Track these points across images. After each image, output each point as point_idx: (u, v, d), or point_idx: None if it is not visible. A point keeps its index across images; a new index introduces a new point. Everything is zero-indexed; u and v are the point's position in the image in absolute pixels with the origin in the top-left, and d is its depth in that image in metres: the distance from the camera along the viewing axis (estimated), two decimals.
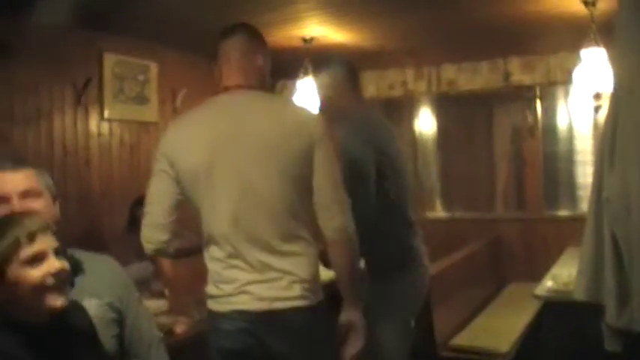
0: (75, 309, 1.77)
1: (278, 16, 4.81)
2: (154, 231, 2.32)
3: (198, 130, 2.34)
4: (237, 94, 2.42)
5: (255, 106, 2.39)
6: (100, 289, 1.98)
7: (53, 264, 1.62)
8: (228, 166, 2.25)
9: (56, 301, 1.62)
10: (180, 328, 3.20)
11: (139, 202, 4.54)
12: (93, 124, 4.98)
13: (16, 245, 1.57)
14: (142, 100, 5.41)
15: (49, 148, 4.61)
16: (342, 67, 3.41)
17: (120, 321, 2.02)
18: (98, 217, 4.86)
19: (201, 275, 4.91)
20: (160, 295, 3.91)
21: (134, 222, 4.56)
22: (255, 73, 2.47)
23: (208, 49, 5.69)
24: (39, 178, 2.01)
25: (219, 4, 4.50)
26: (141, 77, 5.40)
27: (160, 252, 2.37)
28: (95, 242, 1.85)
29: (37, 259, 1.59)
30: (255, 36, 2.56)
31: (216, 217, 2.26)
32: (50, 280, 1.60)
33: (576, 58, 5.00)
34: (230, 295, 2.24)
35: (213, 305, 2.32)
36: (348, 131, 3.13)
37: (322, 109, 3.43)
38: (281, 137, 2.28)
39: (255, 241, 2.24)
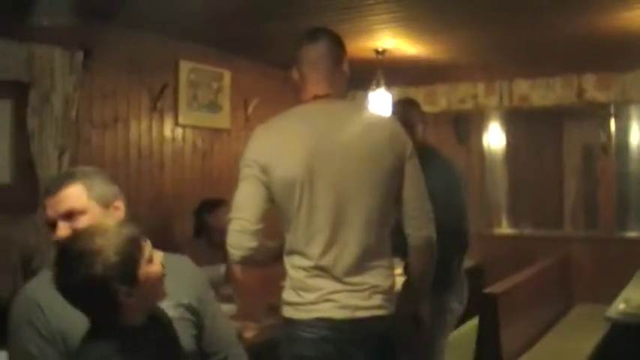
0: (157, 310, 1.81)
1: (351, 27, 4.83)
2: (242, 237, 2.27)
3: (295, 139, 2.32)
4: (330, 104, 2.43)
5: (350, 118, 2.40)
6: (177, 291, 1.94)
7: (159, 256, 1.69)
8: (327, 179, 2.26)
9: (165, 291, 1.72)
10: (248, 333, 3.23)
11: (203, 208, 4.66)
12: (167, 129, 5.10)
13: (140, 247, 1.62)
14: (214, 107, 5.52)
15: (125, 151, 4.74)
16: None
17: (197, 322, 2.01)
18: (170, 219, 4.97)
19: (271, 281, 4.99)
20: (229, 299, 3.96)
21: (200, 226, 4.67)
22: (342, 82, 2.48)
23: (280, 59, 5.87)
24: (84, 192, 1.93)
25: (293, 15, 4.55)
26: (214, 85, 5.51)
27: (246, 259, 2.30)
28: (166, 244, 1.87)
29: (152, 254, 1.67)
30: (340, 42, 2.53)
31: (312, 228, 2.27)
32: (163, 270, 1.69)
33: None
34: (313, 302, 2.25)
35: (292, 313, 2.31)
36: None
37: None
38: (376, 151, 2.31)
39: (346, 254, 2.27)
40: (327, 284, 2.24)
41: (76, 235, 1.67)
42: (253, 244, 2.27)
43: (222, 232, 4.60)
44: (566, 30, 4.91)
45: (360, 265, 2.27)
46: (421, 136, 3.59)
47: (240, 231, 2.26)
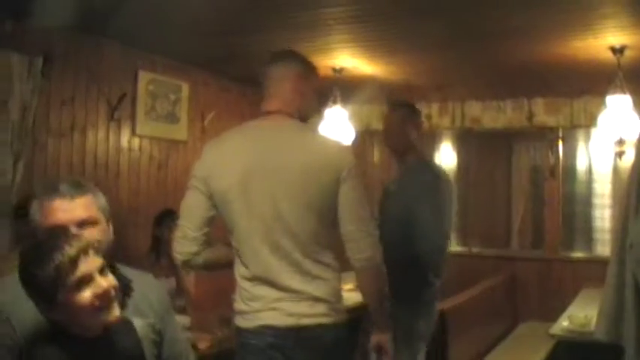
0: (126, 326, 1.81)
1: (311, 46, 4.90)
2: (183, 243, 2.42)
3: (234, 153, 2.42)
4: (274, 121, 2.50)
5: (289, 137, 2.47)
6: (144, 309, 1.97)
7: (100, 285, 1.62)
8: (261, 194, 2.34)
9: (108, 317, 1.66)
10: (202, 345, 3.25)
11: (159, 222, 4.67)
12: (124, 139, 5.09)
13: (60, 273, 1.58)
14: (172, 118, 5.53)
15: (81, 160, 4.71)
16: None
17: (159, 341, 2.01)
18: (125, 230, 4.94)
19: (224, 293, 4.99)
20: (182, 311, 3.97)
21: (156, 240, 4.68)
22: (297, 102, 2.52)
23: (239, 73, 5.91)
24: (95, 204, 1.96)
25: (255, 31, 4.61)
26: (172, 96, 5.52)
27: (188, 263, 2.46)
28: (121, 255, 1.86)
29: (83, 282, 1.60)
30: (304, 65, 2.59)
31: (250, 240, 2.35)
32: (97, 302, 1.62)
33: (600, 103, 5.09)
34: (259, 310, 2.32)
35: (241, 322, 2.38)
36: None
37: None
38: (310, 171, 2.37)
39: (286, 264, 2.34)
40: (271, 293, 2.32)
41: (34, 242, 1.69)
42: (193, 249, 2.41)
43: (169, 244, 4.64)
44: (517, 56, 5.07)
45: (299, 276, 2.35)
46: (414, 142, 3.66)
47: (182, 237, 2.42)
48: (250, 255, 2.36)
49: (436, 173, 3.72)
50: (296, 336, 2.31)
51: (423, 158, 3.87)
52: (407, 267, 3.29)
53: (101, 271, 1.65)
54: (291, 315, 2.31)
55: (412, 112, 3.75)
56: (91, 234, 1.84)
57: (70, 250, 1.60)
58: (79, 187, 1.94)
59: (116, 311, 1.68)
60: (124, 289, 1.83)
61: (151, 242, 4.72)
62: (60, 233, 1.73)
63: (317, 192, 2.37)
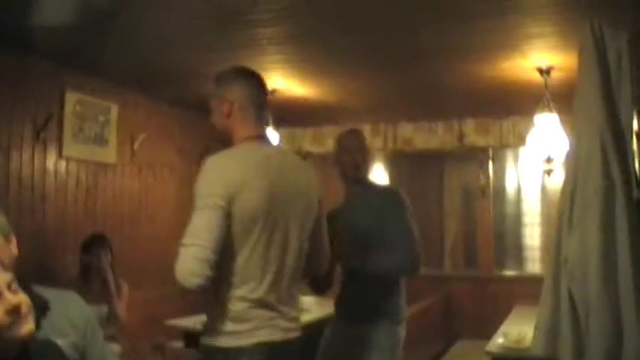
0: (47, 347, 1.73)
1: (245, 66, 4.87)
2: (203, 265, 2.19)
3: (257, 175, 2.35)
4: (271, 146, 2.58)
5: (291, 164, 2.55)
6: (65, 328, 1.90)
7: (8, 300, 1.56)
8: (279, 217, 2.37)
9: (19, 331, 1.58)
10: None
11: (88, 248, 4.54)
12: (50, 161, 4.91)
13: None
14: (101, 141, 5.38)
15: (5, 181, 4.52)
16: None
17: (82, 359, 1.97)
18: (51, 253, 4.77)
19: (155, 320, 4.87)
20: (113, 339, 3.86)
21: (85, 267, 4.54)
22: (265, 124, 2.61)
23: (171, 95, 5.83)
24: None
25: (184, 52, 4.56)
26: (101, 118, 5.37)
27: (202, 288, 2.21)
28: (47, 278, 1.78)
29: None
30: (265, 85, 2.62)
31: (261, 263, 2.34)
32: (7, 319, 1.55)
33: (529, 123, 5.21)
34: (255, 329, 2.33)
35: (230, 342, 2.32)
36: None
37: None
38: (309, 199, 2.52)
39: (283, 286, 2.40)
40: (265, 313, 2.34)
41: None
42: (211, 273, 2.20)
43: (100, 271, 4.51)
44: (447, 77, 5.16)
45: (288, 296, 2.43)
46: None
47: (201, 259, 2.19)
48: (256, 278, 2.32)
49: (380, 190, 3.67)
50: (285, 348, 2.38)
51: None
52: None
53: (9, 287, 1.58)
54: (283, 330, 2.38)
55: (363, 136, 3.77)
56: None
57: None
58: None
59: (30, 326, 1.60)
60: (40, 309, 1.75)
61: (80, 268, 4.58)
62: None
63: (309, 214, 2.51)
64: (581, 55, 2.39)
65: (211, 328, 2.36)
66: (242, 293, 2.32)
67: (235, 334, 2.32)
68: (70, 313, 1.96)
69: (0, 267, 1.60)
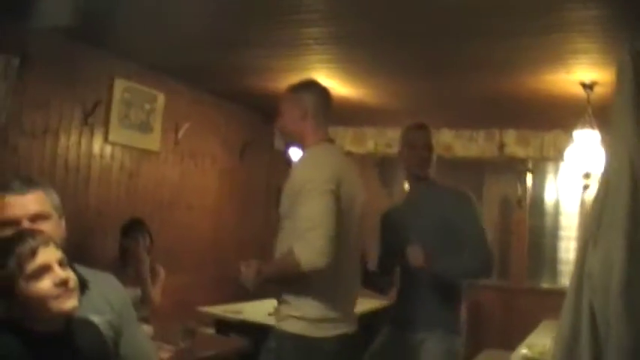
0: (85, 325, 1.82)
1: (287, 64, 4.95)
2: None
3: (344, 171, 2.67)
4: (337, 148, 3.01)
5: (352, 164, 2.96)
6: (102, 307, 1.99)
7: (58, 274, 1.67)
8: (347, 215, 2.61)
9: (64, 304, 1.69)
10: (165, 355, 3.24)
11: (126, 232, 4.66)
12: (96, 145, 5.06)
13: (20, 261, 1.63)
14: (146, 128, 5.51)
15: (52, 163, 4.68)
16: None
17: (117, 339, 2.03)
18: (92, 235, 4.91)
19: (188, 305, 4.98)
20: (145, 321, 3.96)
21: (123, 250, 4.67)
22: None
23: (216, 86, 5.93)
24: (47, 199, 2.02)
25: (230, 45, 4.64)
26: (147, 106, 5.50)
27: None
28: (86, 259, 1.88)
29: (41, 271, 1.65)
30: None
31: (342, 250, 2.53)
32: (56, 291, 1.66)
33: (569, 137, 5.18)
34: (338, 320, 2.59)
35: (314, 332, 2.54)
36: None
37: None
38: (363, 197, 2.82)
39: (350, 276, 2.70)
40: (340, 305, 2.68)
41: None
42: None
43: (135, 254, 4.66)
44: (491, 87, 5.17)
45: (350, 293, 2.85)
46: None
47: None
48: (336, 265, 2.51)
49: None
50: (353, 342, 2.68)
51: None
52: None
53: (60, 263, 1.70)
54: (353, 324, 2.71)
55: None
56: (43, 227, 1.90)
57: (33, 242, 1.67)
58: (30, 183, 2.00)
59: (74, 301, 1.72)
60: (80, 287, 1.83)
61: (118, 251, 4.70)
62: (24, 229, 1.80)
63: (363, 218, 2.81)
64: (619, 74, 2.40)
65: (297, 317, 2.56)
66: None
67: (320, 323, 2.54)
68: (108, 294, 2.05)
69: (53, 244, 1.72)
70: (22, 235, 1.71)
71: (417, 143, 3.40)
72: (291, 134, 2.82)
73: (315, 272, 2.43)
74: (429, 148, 3.41)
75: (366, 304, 4.73)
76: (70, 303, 1.70)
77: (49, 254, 1.68)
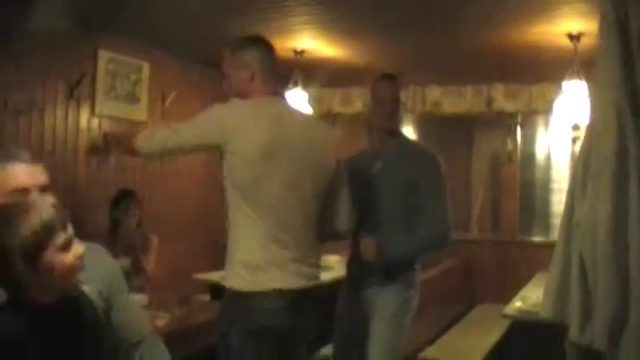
0: (79, 294, 1.83)
1: (271, 27, 4.92)
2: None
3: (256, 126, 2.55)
4: (286, 104, 2.80)
5: (305, 121, 2.78)
6: (91, 277, 1.94)
7: (79, 248, 1.70)
8: (286, 170, 2.54)
9: (79, 277, 1.75)
10: (161, 322, 3.27)
11: (116, 203, 4.67)
12: (83, 119, 5.04)
13: (52, 232, 1.63)
14: (132, 99, 5.48)
15: (39, 139, 4.66)
16: None
17: (107, 309, 2.01)
18: (82, 208, 4.90)
19: (182, 273, 5.00)
20: (139, 290, 3.99)
21: (114, 221, 4.68)
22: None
23: (200, 55, 5.88)
24: (46, 171, 2.03)
25: (214, 13, 4.60)
26: (133, 76, 5.47)
27: None
28: (78, 232, 1.88)
29: (68, 244, 1.67)
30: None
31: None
32: (78, 263, 1.71)
33: (558, 89, 5.17)
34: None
35: (251, 286, 2.48)
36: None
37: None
38: (321, 155, 2.70)
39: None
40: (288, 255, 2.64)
41: (2, 206, 1.72)
42: None
43: (126, 225, 4.67)
44: (476, 42, 5.14)
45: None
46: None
47: None
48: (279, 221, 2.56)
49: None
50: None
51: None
52: None
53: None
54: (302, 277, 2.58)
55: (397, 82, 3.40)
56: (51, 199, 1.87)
57: (64, 214, 1.67)
58: (28, 155, 1.99)
59: (81, 275, 1.77)
60: None
61: (109, 223, 4.71)
62: (48, 198, 1.77)
63: (326, 177, 2.72)
64: (602, 21, 2.39)
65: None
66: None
67: (255, 281, 2.49)
68: (97, 264, 2.02)
69: (62, 225, 1.69)
70: (55, 205, 1.69)
71: (385, 96, 3.23)
72: (240, 96, 2.71)
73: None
74: (396, 100, 3.24)
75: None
76: (81, 276, 1.76)
77: (71, 229, 1.70)
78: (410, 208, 3.16)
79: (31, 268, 1.60)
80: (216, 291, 4.86)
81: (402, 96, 3.49)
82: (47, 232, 1.62)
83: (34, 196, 1.89)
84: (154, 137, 2.69)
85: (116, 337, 2.05)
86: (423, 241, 3.17)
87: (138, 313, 2.18)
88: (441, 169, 3.20)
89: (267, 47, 2.71)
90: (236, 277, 2.51)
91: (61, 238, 1.64)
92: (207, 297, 4.69)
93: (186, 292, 3.72)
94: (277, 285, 2.46)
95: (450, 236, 3.16)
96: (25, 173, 1.93)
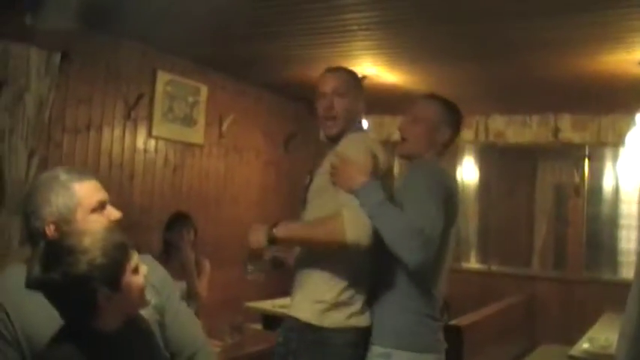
0: (138, 316, 1.80)
1: (332, 52, 4.85)
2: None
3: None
4: None
5: None
6: (148, 290, 1.94)
7: (144, 267, 1.71)
8: None
9: (146, 302, 1.75)
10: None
11: (170, 226, 4.61)
12: (140, 140, 5.03)
13: (127, 254, 1.64)
14: (189, 121, 5.45)
15: (96, 159, 4.66)
16: None
17: (162, 320, 1.98)
18: (136, 230, 4.86)
19: (235, 301, 4.91)
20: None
21: (167, 244, 4.62)
22: None
23: (258, 78, 5.85)
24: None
25: (273, 36, 4.54)
26: (191, 99, 5.44)
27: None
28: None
29: (137, 266, 1.68)
30: None
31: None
32: (145, 282, 1.71)
33: (629, 121, 4.96)
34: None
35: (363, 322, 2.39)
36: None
37: None
38: None
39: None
40: None
41: (66, 233, 1.68)
42: None
43: (180, 248, 4.57)
44: (544, 70, 4.96)
45: None
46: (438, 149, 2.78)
47: None
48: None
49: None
50: None
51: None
52: None
53: None
54: None
55: (449, 110, 2.79)
56: (115, 213, 1.92)
57: (121, 237, 1.67)
58: (85, 172, 1.98)
59: (150, 294, 1.80)
60: None
61: (162, 245, 4.66)
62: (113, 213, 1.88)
63: None
64: None
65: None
66: None
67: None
68: (149, 276, 1.97)
69: (131, 246, 1.70)
70: (122, 229, 1.72)
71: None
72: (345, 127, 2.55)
73: (356, 247, 2.21)
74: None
75: None
76: (149, 295, 1.77)
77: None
78: None
79: (113, 290, 1.60)
80: (269, 320, 4.77)
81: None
82: (123, 253, 1.63)
83: (107, 211, 1.90)
84: (364, 220, 2.22)
85: (171, 351, 2.00)
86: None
87: (192, 322, 2.11)
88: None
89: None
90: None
91: (134, 259, 1.66)
92: (259, 326, 4.60)
93: (239, 321, 3.62)
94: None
95: (418, 238, 2.22)
96: (99, 188, 1.91)
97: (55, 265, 1.55)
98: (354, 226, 2.19)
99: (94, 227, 1.68)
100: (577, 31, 4.05)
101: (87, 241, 1.58)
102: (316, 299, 2.37)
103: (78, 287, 1.56)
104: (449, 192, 2.48)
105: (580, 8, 3.65)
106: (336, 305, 2.35)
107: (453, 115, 2.77)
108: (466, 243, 7.05)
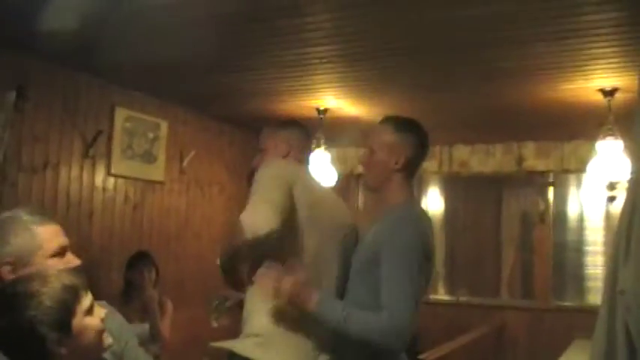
0: None
1: (294, 86, 4.82)
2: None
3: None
4: None
5: None
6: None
7: (101, 310, 1.68)
8: None
9: (108, 339, 1.70)
10: None
11: (131, 265, 4.50)
12: (99, 178, 4.90)
13: (77, 297, 1.60)
14: (149, 157, 5.35)
15: (53, 198, 4.53)
16: None
17: None
18: (96, 270, 4.74)
19: (198, 341, 4.79)
20: (156, 358, 3.81)
21: (128, 283, 4.50)
22: None
23: (220, 112, 5.78)
24: None
25: (236, 69, 4.50)
26: (151, 135, 5.34)
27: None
28: (93, 296, 1.80)
29: (91, 307, 1.64)
30: None
31: None
32: (103, 325, 1.67)
33: (591, 147, 4.98)
34: None
35: None
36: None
37: None
38: None
39: None
40: None
41: (18, 278, 1.67)
42: None
43: (141, 288, 4.46)
44: (506, 99, 4.98)
45: None
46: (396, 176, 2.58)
47: None
48: None
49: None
50: None
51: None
52: None
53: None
54: None
55: (403, 127, 2.62)
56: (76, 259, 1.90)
57: (83, 278, 1.67)
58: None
59: (110, 337, 1.73)
60: None
61: (123, 285, 4.54)
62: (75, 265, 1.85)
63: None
64: None
65: None
66: None
67: None
68: (107, 322, 1.93)
69: (84, 288, 1.67)
70: (76, 270, 1.74)
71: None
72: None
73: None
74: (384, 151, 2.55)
75: None
76: (109, 339, 1.72)
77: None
78: None
79: (64, 335, 1.55)
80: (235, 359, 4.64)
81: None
82: (72, 296, 1.59)
83: (69, 256, 1.87)
84: None
85: None
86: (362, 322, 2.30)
87: None
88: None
89: (305, 130, 2.81)
90: None
91: (86, 301, 1.62)
92: None
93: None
94: None
95: (397, 334, 2.26)
96: (61, 233, 1.89)
97: (4, 311, 1.52)
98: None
99: (45, 271, 1.66)
100: (536, 61, 4.06)
101: (35, 285, 1.55)
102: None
103: (24, 334, 1.51)
104: (427, 252, 2.49)
105: (538, 39, 3.66)
106: None
107: (410, 131, 2.62)
108: (434, 274, 6.99)
